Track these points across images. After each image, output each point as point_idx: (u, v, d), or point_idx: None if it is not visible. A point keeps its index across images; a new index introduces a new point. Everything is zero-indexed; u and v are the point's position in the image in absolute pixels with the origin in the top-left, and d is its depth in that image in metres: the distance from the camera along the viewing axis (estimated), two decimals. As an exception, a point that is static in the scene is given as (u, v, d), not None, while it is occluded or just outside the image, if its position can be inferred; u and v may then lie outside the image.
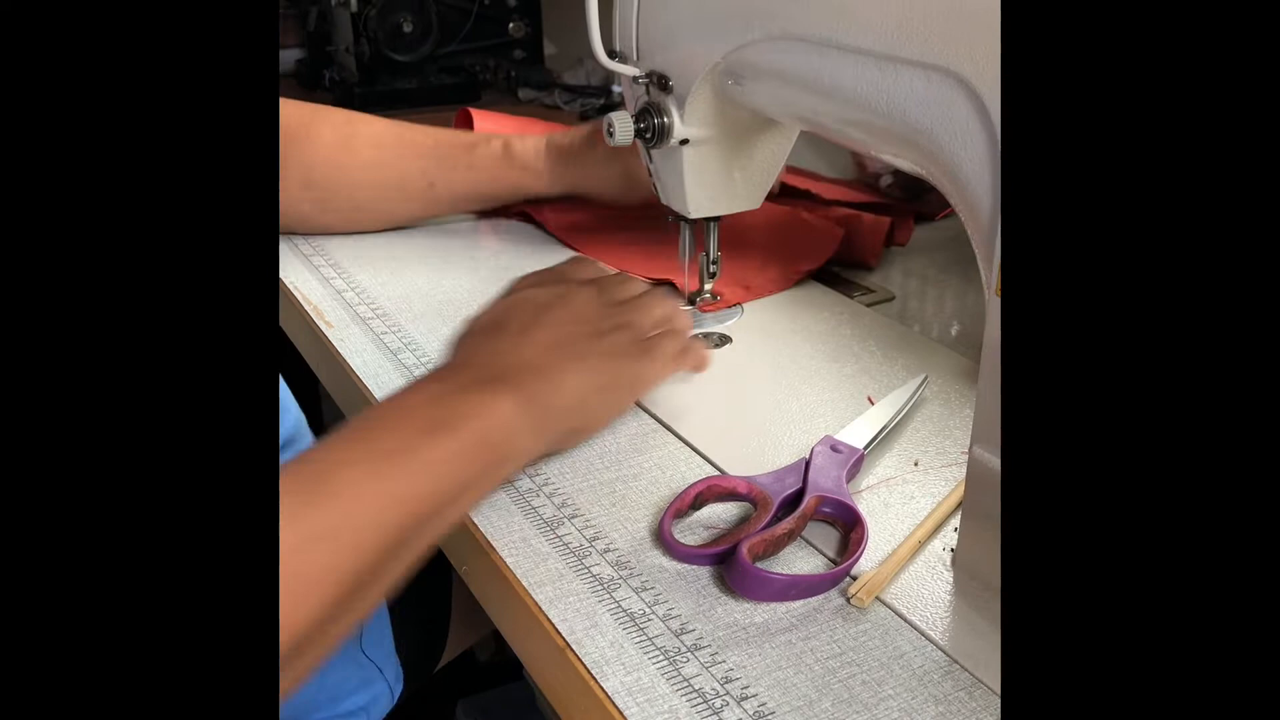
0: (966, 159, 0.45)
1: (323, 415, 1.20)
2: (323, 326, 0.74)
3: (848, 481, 0.54)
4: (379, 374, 0.68)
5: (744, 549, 0.48)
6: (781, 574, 0.48)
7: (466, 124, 1.02)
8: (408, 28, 1.43)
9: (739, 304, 0.77)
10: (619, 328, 0.59)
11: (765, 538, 0.49)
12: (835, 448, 0.56)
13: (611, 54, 0.69)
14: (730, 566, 0.48)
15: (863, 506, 0.53)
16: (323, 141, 0.85)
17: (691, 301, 0.76)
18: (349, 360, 0.69)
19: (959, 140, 0.45)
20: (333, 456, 0.47)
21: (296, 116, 0.85)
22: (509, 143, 0.87)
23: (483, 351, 0.55)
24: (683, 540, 0.50)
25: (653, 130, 0.68)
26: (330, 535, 0.44)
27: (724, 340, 0.72)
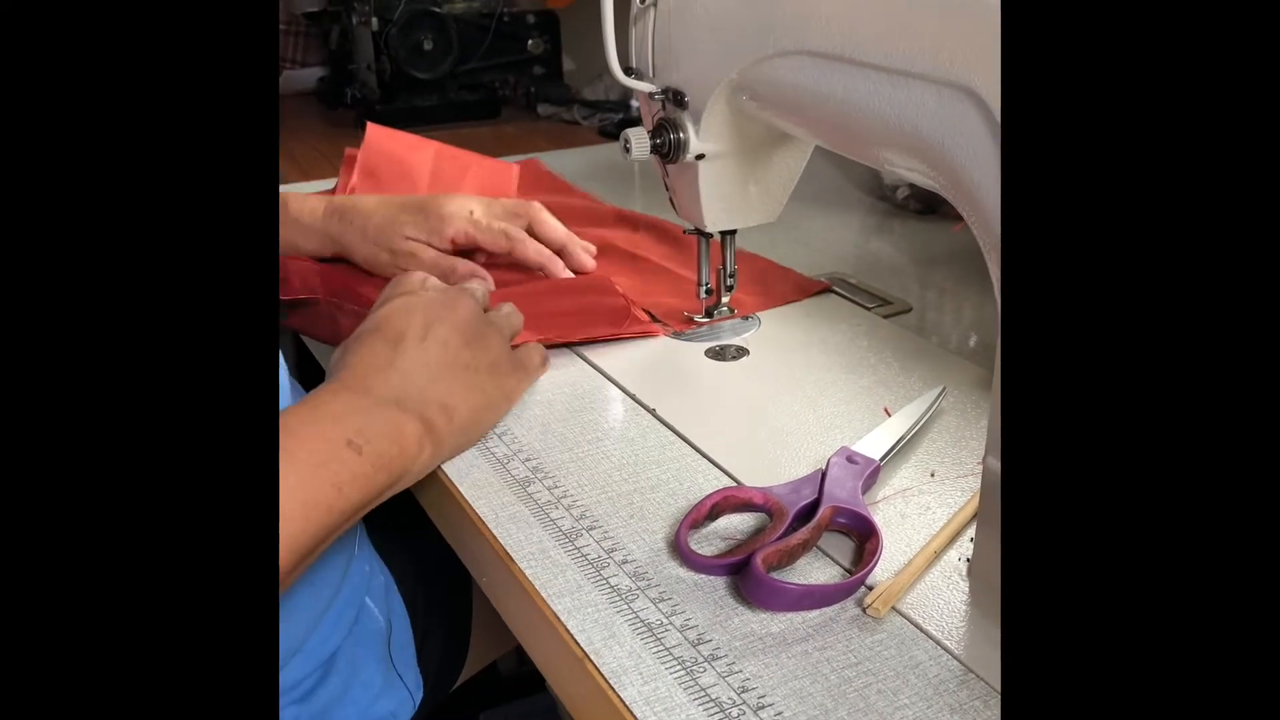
0: (977, 171, 0.45)
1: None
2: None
3: (864, 492, 0.54)
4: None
5: (759, 559, 0.48)
6: (796, 584, 0.48)
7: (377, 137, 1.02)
8: (428, 45, 1.44)
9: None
10: (491, 339, 0.63)
11: (780, 548, 0.50)
12: (851, 459, 0.56)
13: (628, 70, 0.70)
14: (745, 577, 0.48)
15: (879, 517, 0.53)
16: None
17: (709, 314, 0.77)
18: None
19: (970, 154, 0.46)
20: None
21: None
22: (286, 201, 0.88)
23: (384, 367, 0.59)
24: (699, 551, 0.51)
25: (669, 145, 0.69)
26: None
27: (741, 352, 0.73)
